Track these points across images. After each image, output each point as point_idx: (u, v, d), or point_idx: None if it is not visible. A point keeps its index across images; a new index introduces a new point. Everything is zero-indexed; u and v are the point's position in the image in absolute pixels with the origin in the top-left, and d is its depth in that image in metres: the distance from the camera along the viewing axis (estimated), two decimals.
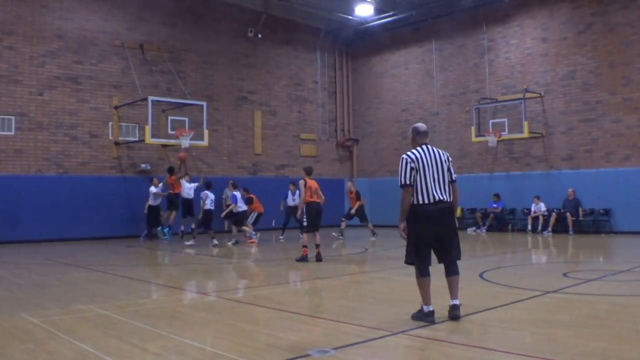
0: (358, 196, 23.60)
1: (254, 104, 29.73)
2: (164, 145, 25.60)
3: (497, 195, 26.25)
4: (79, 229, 22.91)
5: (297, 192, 21.96)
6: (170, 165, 23.92)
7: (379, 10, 29.71)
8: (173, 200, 23.21)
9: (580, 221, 24.05)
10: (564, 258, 17.21)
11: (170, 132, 25.56)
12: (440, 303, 7.94)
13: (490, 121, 26.71)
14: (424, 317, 7.65)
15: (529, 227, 24.88)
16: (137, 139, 25.18)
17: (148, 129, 22.84)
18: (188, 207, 22.89)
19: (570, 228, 23.71)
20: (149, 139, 23.17)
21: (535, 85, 25.79)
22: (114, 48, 25.32)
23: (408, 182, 7.67)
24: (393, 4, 29.33)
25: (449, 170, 7.92)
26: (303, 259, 15.50)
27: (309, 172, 16.25)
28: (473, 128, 26.55)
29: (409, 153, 7.84)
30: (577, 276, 11.94)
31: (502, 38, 27.36)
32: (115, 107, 25.00)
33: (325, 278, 12.59)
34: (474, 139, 26.61)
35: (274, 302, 9.53)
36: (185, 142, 23.97)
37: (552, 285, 10.72)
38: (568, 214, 23.85)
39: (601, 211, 23.90)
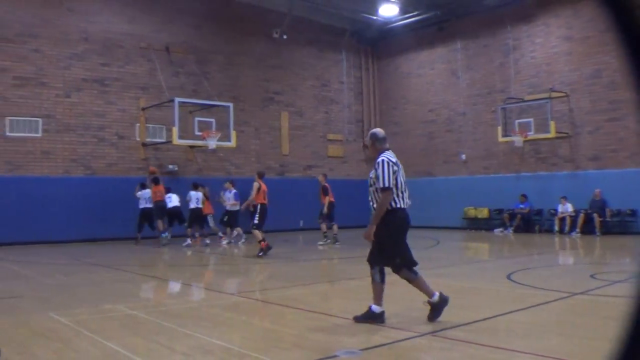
0: (325, 192, 21.87)
1: (281, 105, 29.76)
2: (191, 147, 25.68)
3: (523, 196, 26.02)
4: (107, 229, 23.01)
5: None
6: (155, 176, 23.33)
7: (403, 10, 29.61)
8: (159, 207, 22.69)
9: (607, 222, 23.75)
10: (591, 259, 17.05)
11: (197, 133, 25.62)
12: (391, 308, 7.85)
13: (516, 121, 26.49)
14: (375, 317, 7.61)
15: (556, 227, 24.63)
16: (164, 140, 25.29)
17: (175, 130, 22.91)
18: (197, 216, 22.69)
19: (597, 229, 23.43)
20: (176, 140, 23.24)
21: (560, 84, 25.54)
22: (139, 50, 25.44)
23: (391, 185, 7.60)
24: (417, 3, 29.22)
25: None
26: (268, 248, 17.01)
27: (261, 175, 18.13)
28: (499, 128, 26.36)
29: (388, 156, 7.81)
30: (605, 278, 11.80)
31: (527, 37, 27.13)
32: (142, 109, 25.12)
33: (352, 279, 12.55)
34: (500, 139, 26.42)
35: (301, 302, 9.50)
36: (212, 144, 24.03)
37: (579, 286, 10.59)
38: (595, 215, 23.59)
39: (628, 211, 23.61)
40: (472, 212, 28.37)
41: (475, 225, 28.24)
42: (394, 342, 6.70)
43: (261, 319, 8.15)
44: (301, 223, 27.63)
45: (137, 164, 24.99)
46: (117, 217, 22.94)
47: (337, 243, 21.03)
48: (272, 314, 8.54)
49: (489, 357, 6.11)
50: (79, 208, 23.04)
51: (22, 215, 21.97)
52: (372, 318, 7.59)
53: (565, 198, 24.46)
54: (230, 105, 24.56)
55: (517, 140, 25.64)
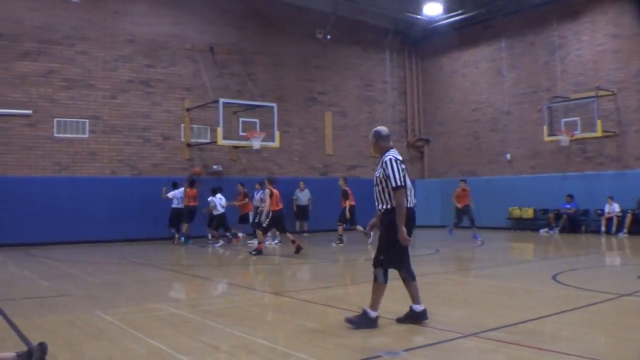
0: (345, 195, 21.79)
1: (324, 105, 29.78)
2: (235, 147, 25.82)
3: (570, 196, 25.68)
4: (152, 229, 23.21)
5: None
6: (192, 178, 23.54)
7: (447, 9, 29.40)
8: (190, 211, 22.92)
9: None
10: (639, 260, 16.77)
11: (241, 133, 25.78)
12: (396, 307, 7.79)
13: (563, 120, 26.18)
14: (370, 323, 7.47)
15: (603, 228, 24.27)
16: (208, 141, 25.46)
17: (219, 130, 23.04)
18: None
19: None
20: (220, 141, 23.37)
21: (607, 82, 25.15)
22: (184, 51, 25.65)
23: (401, 183, 7.47)
24: (462, 2, 29.03)
25: None
26: (259, 252, 17.70)
27: (272, 181, 18.43)
28: (545, 127, 26.07)
29: (394, 155, 7.67)
30: None
31: (573, 35, 26.75)
32: (187, 110, 25.32)
33: (396, 279, 12.50)
34: (546, 138, 26.13)
35: (344, 302, 9.50)
36: (256, 144, 24.14)
37: (626, 288, 10.42)
38: None
39: None
40: (517, 212, 28.11)
41: (520, 225, 27.98)
42: (437, 343, 6.68)
43: (304, 319, 8.15)
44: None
45: (182, 164, 25.19)
46: (163, 217, 23.09)
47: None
48: (315, 314, 8.56)
49: (535, 359, 6.05)
50: (125, 208, 23.31)
51: (70, 215, 22.30)
52: (367, 323, 7.47)
53: (612, 198, 24.11)
54: (274, 105, 24.64)
55: (564, 139, 25.33)
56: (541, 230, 25.94)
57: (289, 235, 18.52)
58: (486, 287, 11.28)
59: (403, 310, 7.78)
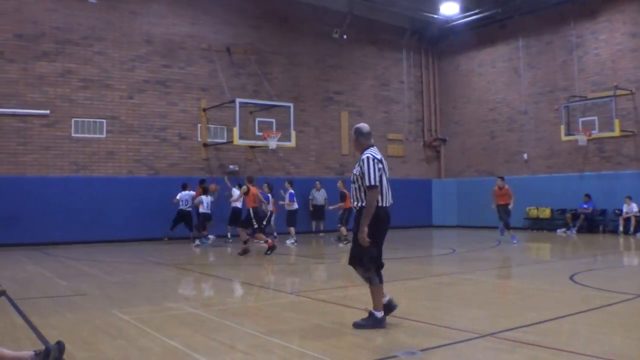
0: (343, 198, 22.04)
1: (341, 105, 29.78)
2: (251, 147, 25.88)
3: (587, 196, 25.56)
4: (169, 228, 23.28)
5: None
6: (205, 187, 23.65)
7: (464, 8, 29.35)
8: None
9: None
10: None
11: (257, 133, 25.82)
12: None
13: (580, 119, 26.09)
14: (378, 323, 7.42)
15: (621, 228, 24.18)
16: (225, 141, 25.52)
17: (236, 130, 23.10)
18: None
19: None
20: (237, 141, 23.43)
21: (626, 82, 25.03)
22: (201, 51, 25.72)
23: (378, 183, 7.40)
24: (478, 1, 28.97)
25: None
26: (245, 252, 17.65)
27: (250, 179, 18.48)
28: (562, 127, 25.98)
29: (372, 153, 7.59)
30: None
31: (590, 34, 26.62)
32: (204, 110, 25.39)
33: (412, 279, 12.50)
34: (563, 137, 26.04)
35: (360, 302, 9.48)
36: (272, 144, 24.17)
37: None
38: None
39: None
40: (534, 212, 28.01)
41: (537, 225, 27.88)
42: (453, 343, 6.66)
43: (320, 319, 8.15)
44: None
45: (199, 164, 25.27)
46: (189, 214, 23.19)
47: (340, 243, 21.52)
48: (331, 314, 8.56)
49: None
50: (142, 208, 23.41)
51: (87, 214, 22.43)
52: (374, 325, 7.43)
53: (630, 198, 23.99)
54: (291, 105, 24.67)
55: (581, 139, 25.23)
56: (558, 230, 25.84)
57: (259, 236, 18.33)
58: (503, 288, 11.24)
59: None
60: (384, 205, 7.52)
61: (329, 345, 6.63)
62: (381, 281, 7.61)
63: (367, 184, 7.38)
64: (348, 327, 7.49)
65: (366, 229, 7.32)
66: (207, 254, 19.37)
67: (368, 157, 7.51)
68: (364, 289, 10.41)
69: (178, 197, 22.56)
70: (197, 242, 21.80)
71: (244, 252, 17.53)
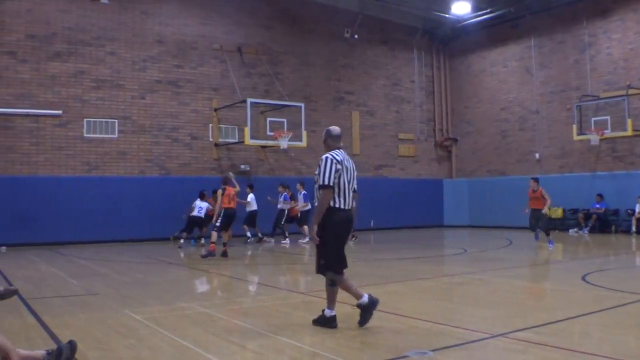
0: None
1: (352, 105, 29.78)
2: (263, 147, 25.91)
3: (600, 196, 25.47)
4: (181, 228, 23.31)
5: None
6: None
7: (476, 8, 29.29)
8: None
9: None
10: None
11: (269, 133, 25.84)
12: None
13: (593, 119, 25.99)
14: (328, 322, 7.43)
15: (633, 228, 24.04)
16: (236, 141, 25.57)
17: (247, 130, 23.15)
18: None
19: None
20: (248, 141, 23.48)
21: (638, 81, 24.89)
22: (212, 52, 25.77)
23: (331, 183, 7.38)
24: (490, 0, 28.90)
25: (355, 178, 7.77)
26: (211, 254, 16.77)
27: (225, 181, 17.79)
28: (574, 126, 25.88)
29: (333, 154, 7.56)
30: None
31: (603, 33, 26.50)
32: (215, 110, 25.45)
33: (423, 279, 12.48)
34: (575, 137, 25.94)
35: None
36: (284, 144, 24.20)
37: None
38: None
39: None
40: (546, 211, 27.88)
41: (549, 225, 27.74)
42: (465, 343, 6.64)
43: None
44: (372, 223, 27.61)
45: (210, 164, 25.32)
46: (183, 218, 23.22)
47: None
48: (343, 314, 8.54)
49: None
50: (154, 208, 23.47)
51: (99, 214, 22.52)
52: (325, 323, 7.45)
53: None
54: (302, 105, 24.70)
55: (593, 138, 25.14)
56: (570, 230, 25.74)
57: (226, 236, 17.78)
58: (514, 288, 11.20)
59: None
60: (343, 207, 7.48)
61: (340, 345, 6.63)
62: (341, 281, 7.57)
63: (320, 183, 7.41)
64: (359, 327, 7.49)
65: (315, 228, 7.42)
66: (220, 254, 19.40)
67: (326, 158, 7.52)
68: (374, 289, 10.43)
69: (194, 205, 22.37)
70: (183, 242, 21.63)
71: (224, 253, 17.06)
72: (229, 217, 17.32)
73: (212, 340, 7.01)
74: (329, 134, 7.88)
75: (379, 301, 7.52)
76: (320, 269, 7.62)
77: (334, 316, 7.49)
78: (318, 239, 7.43)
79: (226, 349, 6.59)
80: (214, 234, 17.24)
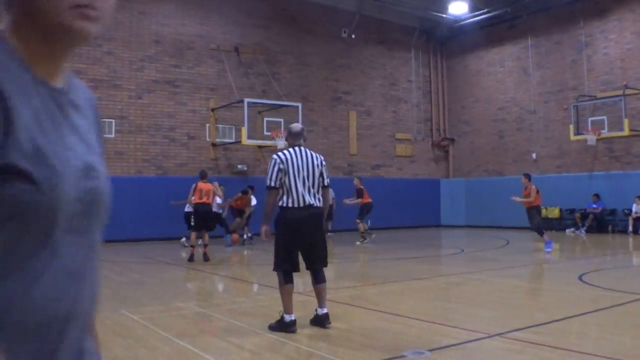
0: (359, 194, 21.99)
1: (349, 105, 29.79)
2: (260, 147, 25.91)
3: (596, 196, 25.49)
4: (178, 228, 23.29)
5: None
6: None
7: (473, 8, 29.32)
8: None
9: None
10: None
11: (266, 133, 25.85)
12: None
13: (589, 119, 26.02)
14: (285, 326, 7.26)
15: (630, 228, 24.07)
16: (233, 141, 25.56)
17: (244, 130, 23.15)
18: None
19: None
20: (245, 141, 23.48)
21: (635, 81, 24.91)
22: (209, 51, 25.77)
23: (273, 184, 7.40)
24: (487, 1, 28.94)
25: (321, 174, 7.60)
26: (190, 259, 15.95)
27: (203, 176, 17.09)
28: (571, 126, 25.91)
29: (279, 154, 7.56)
30: None
31: (600, 33, 26.52)
32: (212, 109, 25.44)
33: (421, 279, 12.50)
34: (572, 137, 25.96)
35: (369, 302, 9.51)
36: (281, 143, 24.18)
37: None
38: None
39: None
40: (542, 211, 27.92)
41: (546, 225, 27.74)
42: (462, 343, 6.66)
43: (330, 318, 8.16)
44: (369, 223, 27.61)
45: (208, 164, 25.29)
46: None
47: (358, 242, 21.50)
48: (341, 314, 8.57)
49: None
50: (151, 207, 23.45)
51: None
52: (282, 328, 7.30)
53: (639, 197, 23.94)
54: (299, 105, 24.70)
55: (590, 138, 25.17)
56: (567, 230, 25.75)
57: (204, 237, 17.02)
58: (511, 287, 11.22)
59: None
60: (292, 206, 7.40)
61: (338, 345, 6.64)
62: (288, 282, 7.48)
63: (266, 183, 7.52)
64: (356, 327, 7.51)
65: (264, 227, 7.59)
66: (217, 254, 19.40)
67: (273, 158, 7.55)
68: (372, 289, 10.47)
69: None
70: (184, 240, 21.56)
71: (204, 257, 16.14)
72: (198, 214, 16.46)
73: (210, 340, 7.03)
74: (288, 131, 7.92)
75: (294, 331, 7.25)
76: (275, 267, 7.63)
77: (293, 320, 7.31)
78: (266, 238, 7.61)
79: (224, 349, 6.59)
80: (192, 235, 16.69)
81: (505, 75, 30.61)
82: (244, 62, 26.55)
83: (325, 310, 7.53)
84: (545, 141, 28.38)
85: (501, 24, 30.03)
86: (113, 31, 23.59)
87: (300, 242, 7.48)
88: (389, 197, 28.67)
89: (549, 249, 17.54)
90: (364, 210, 21.88)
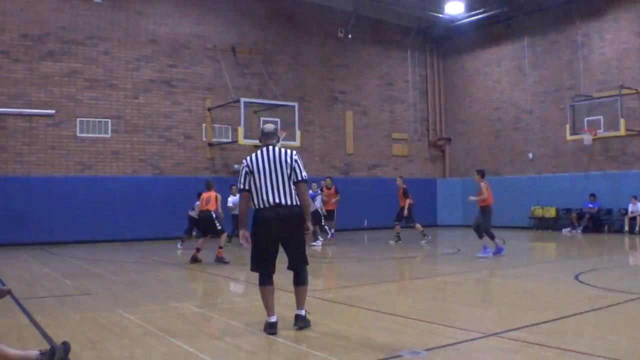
0: (406, 194, 21.60)
1: (346, 104, 29.78)
2: (256, 146, 25.78)
3: (593, 195, 25.50)
4: (174, 228, 23.25)
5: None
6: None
7: (469, 8, 29.31)
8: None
9: None
10: None
11: None
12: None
13: (586, 119, 26.03)
14: (265, 328, 7.21)
15: (626, 227, 24.13)
16: (230, 140, 25.55)
17: (241, 130, 23.13)
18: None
19: None
20: (241, 140, 23.45)
21: (631, 81, 24.94)
22: (206, 51, 25.75)
23: (242, 187, 7.38)
24: (484, 1, 28.94)
25: (293, 170, 7.35)
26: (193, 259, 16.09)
27: (207, 187, 17.02)
28: (568, 126, 25.91)
29: (248, 157, 7.49)
30: None
31: (596, 33, 26.53)
32: (209, 109, 25.42)
33: (418, 279, 12.50)
34: (568, 137, 25.97)
35: (367, 302, 9.49)
36: (277, 143, 24.14)
37: None
38: None
39: None
40: (539, 211, 27.95)
41: (542, 224, 27.82)
42: (458, 343, 6.65)
43: (327, 318, 8.15)
44: (365, 222, 27.62)
45: (204, 163, 25.30)
46: (185, 216, 23.17)
47: (423, 241, 21.10)
48: (338, 313, 8.56)
49: None
50: (147, 207, 23.44)
51: (93, 214, 22.47)
52: (264, 329, 7.24)
53: (635, 197, 23.97)
54: (296, 105, 24.68)
55: (586, 138, 25.20)
56: (564, 230, 25.78)
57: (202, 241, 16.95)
58: (508, 287, 11.22)
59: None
60: (260, 206, 7.32)
61: (334, 345, 6.63)
62: (262, 283, 7.45)
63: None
64: (354, 326, 7.50)
65: (240, 231, 7.54)
66: (214, 253, 19.37)
67: (243, 161, 7.52)
68: (370, 289, 10.47)
69: (231, 203, 21.94)
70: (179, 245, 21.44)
71: (194, 258, 16.24)
72: (199, 220, 17.03)
73: (206, 340, 7.02)
74: (260, 132, 7.77)
75: (274, 334, 7.14)
76: (252, 268, 7.64)
77: (272, 323, 7.23)
78: (243, 241, 7.52)
79: (220, 349, 6.58)
80: (200, 240, 16.82)
81: (501, 75, 30.61)
82: (241, 62, 26.53)
83: (300, 312, 7.45)
84: (542, 141, 28.39)
85: (497, 23, 30.05)
86: (109, 31, 23.60)
87: (270, 242, 7.38)
88: (386, 197, 28.63)
89: (484, 254, 16.10)
90: (412, 210, 21.67)
